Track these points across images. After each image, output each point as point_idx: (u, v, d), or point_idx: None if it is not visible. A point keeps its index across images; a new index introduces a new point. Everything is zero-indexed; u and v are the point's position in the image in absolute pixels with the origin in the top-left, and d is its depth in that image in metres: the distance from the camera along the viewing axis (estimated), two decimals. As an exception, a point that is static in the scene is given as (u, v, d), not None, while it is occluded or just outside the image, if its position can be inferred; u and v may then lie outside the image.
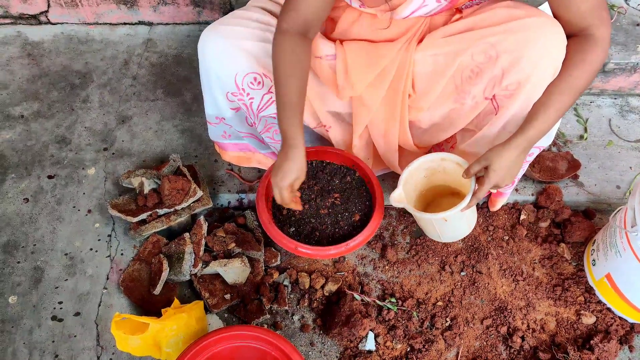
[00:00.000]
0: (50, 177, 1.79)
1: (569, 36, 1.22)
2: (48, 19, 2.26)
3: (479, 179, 1.34)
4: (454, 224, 1.47)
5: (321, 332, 1.54)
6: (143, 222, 1.63)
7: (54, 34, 2.24)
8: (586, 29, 1.20)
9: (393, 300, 1.58)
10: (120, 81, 2.09)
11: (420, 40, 1.38)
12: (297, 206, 1.45)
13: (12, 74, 2.09)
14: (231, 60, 1.40)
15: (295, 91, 1.32)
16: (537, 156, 1.80)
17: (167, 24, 2.29)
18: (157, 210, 1.62)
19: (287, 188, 1.36)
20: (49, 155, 1.85)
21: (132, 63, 2.15)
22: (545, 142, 1.42)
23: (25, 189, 1.76)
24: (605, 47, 1.20)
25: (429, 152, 1.60)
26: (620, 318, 1.55)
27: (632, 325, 1.55)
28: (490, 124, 1.39)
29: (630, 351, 1.52)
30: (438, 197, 1.60)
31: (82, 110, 1.99)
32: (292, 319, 1.57)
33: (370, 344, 1.50)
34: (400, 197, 1.43)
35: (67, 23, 2.27)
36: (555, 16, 1.23)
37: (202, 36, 1.41)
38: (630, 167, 1.86)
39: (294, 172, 1.34)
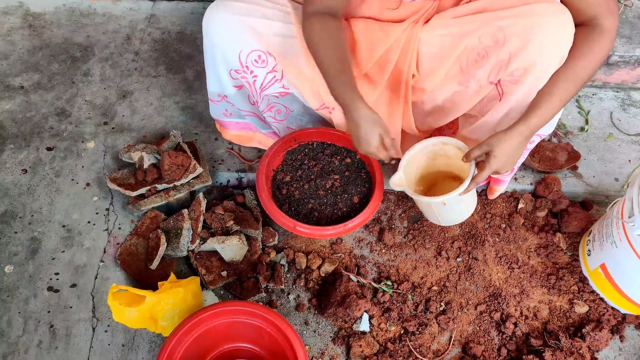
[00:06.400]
0: (49, 149, 1.78)
1: (577, 25, 1.22)
2: (50, -9, 2.23)
3: (479, 164, 1.34)
4: (452, 208, 1.47)
5: (316, 311, 1.55)
6: (142, 196, 1.63)
7: (56, 5, 2.21)
8: (594, 19, 1.20)
9: (388, 283, 1.59)
10: (122, 56, 2.07)
11: (427, 21, 1.37)
12: (397, 154, 1.39)
13: (12, 45, 2.07)
14: (236, 36, 1.39)
15: (334, 60, 1.31)
16: (537, 146, 1.81)
17: (170, 0, 2.26)
18: (156, 185, 1.61)
19: (379, 149, 1.35)
20: (49, 127, 1.84)
21: (134, 38, 2.14)
22: (546, 130, 1.43)
23: (23, 159, 1.75)
24: (612, 38, 1.21)
25: (430, 136, 1.60)
26: (612, 308, 1.57)
27: (624, 316, 1.56)
28: (493, 110, 1.39)
29: (621, 341, 1.53)
30: (440, 181, 1.59)
31: (83, 84, 1.97)
32: (288, 298, 1.58)
33: (364, 325, 1.51)
34: (400, 180, 1.43)
35: (69, -5, 2.25)
36: (564, 3, 1.22)
37: (207, 11, 1.40)
38: (630, 160, 1.86)
39: (372, 132, 1.32)
